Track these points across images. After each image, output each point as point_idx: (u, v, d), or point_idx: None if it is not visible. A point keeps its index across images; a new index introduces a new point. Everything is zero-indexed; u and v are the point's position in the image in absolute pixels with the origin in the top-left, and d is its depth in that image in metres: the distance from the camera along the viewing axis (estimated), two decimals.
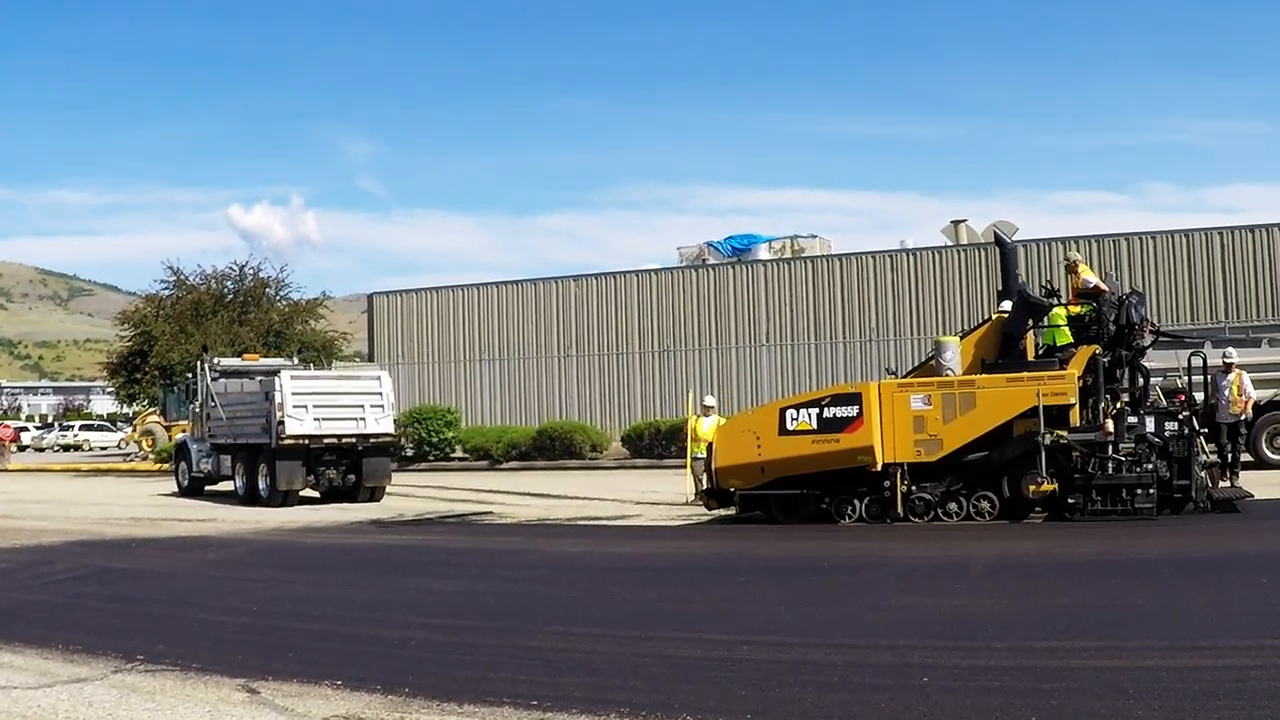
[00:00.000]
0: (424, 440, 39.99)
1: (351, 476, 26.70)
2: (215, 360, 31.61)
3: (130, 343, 52.98)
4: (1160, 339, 23.00)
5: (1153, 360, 21.12)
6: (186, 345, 48.07)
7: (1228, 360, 21.40)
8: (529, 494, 27.55)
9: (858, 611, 11.37)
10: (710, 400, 23.72)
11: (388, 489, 27.66)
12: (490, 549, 18.33)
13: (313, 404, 26.09)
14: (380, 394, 27.08)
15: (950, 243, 43.32)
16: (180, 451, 31.93)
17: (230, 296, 54.38)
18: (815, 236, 47.48)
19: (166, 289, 54.00)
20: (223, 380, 29.69)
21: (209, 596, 13.73)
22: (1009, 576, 13.36)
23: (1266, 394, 25.07)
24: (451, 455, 40.39)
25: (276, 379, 26.19)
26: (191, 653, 10.05)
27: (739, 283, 43.68)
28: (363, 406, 26.73)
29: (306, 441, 25.93)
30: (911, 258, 42.08)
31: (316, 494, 27.30)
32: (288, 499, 26.07)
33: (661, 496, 24.76)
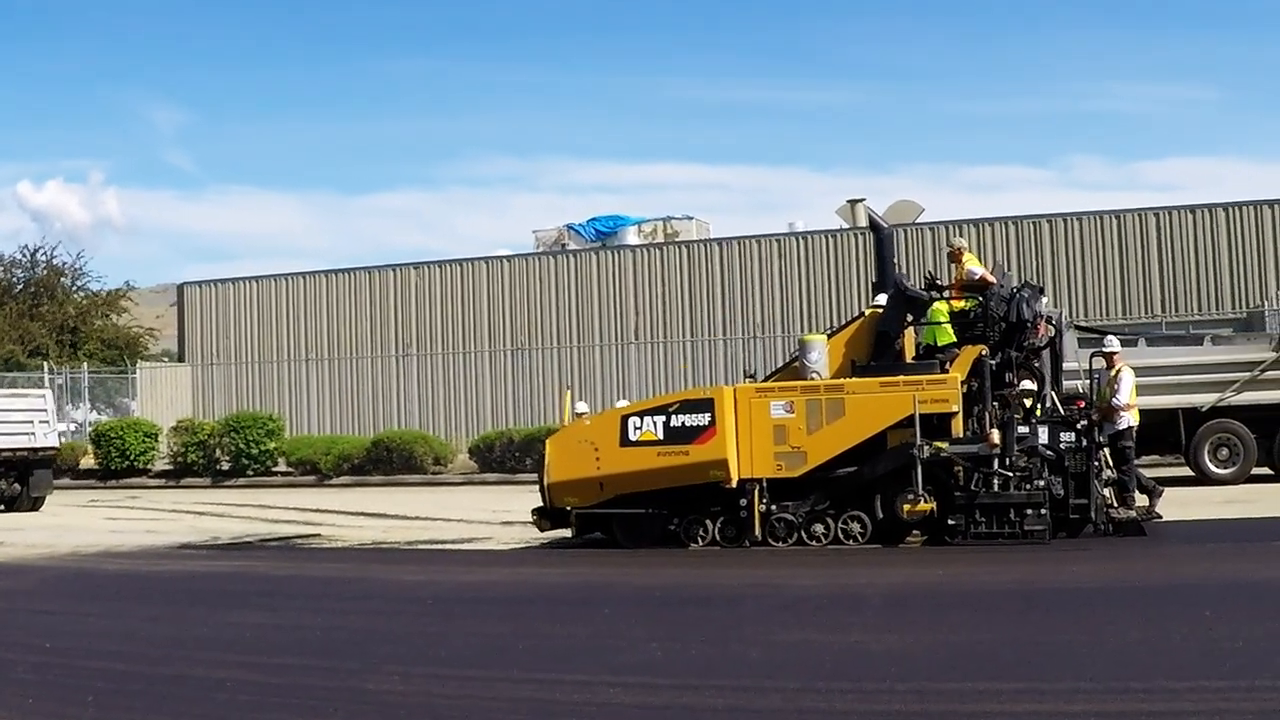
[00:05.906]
0: (242, 452, 39.37)
1: (18, 486, 31.37)
2: None
3: None
4: (1085, 334, 23.19)
5: (1080, 361, 21.17)
6: None
7: (1108, 353, 19.93)
8: (362, 514, 27.34)
9: (740, 648, 11.33)
10: (582, 407, 23.57)
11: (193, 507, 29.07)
12: (318, 577, 18.12)
13: None
14: (46, 410, 32.16)
15: (846, 225, 43.68)
16: None
17: (20, 287, 53.62)
18: (691, 218, 47.87)
19: None
20: None
21: None
22: (913, 608, 13.36)
23: (1210, 399, 25.32)
24: (273, 469, 39.88)
25: None
26: None
27: (604, 271, 43.78)
28: (32, 422, 31.52)
29: None
30: (802, 242, 42.52)
31: None
32: None
33: (515, 516, 24.59)
